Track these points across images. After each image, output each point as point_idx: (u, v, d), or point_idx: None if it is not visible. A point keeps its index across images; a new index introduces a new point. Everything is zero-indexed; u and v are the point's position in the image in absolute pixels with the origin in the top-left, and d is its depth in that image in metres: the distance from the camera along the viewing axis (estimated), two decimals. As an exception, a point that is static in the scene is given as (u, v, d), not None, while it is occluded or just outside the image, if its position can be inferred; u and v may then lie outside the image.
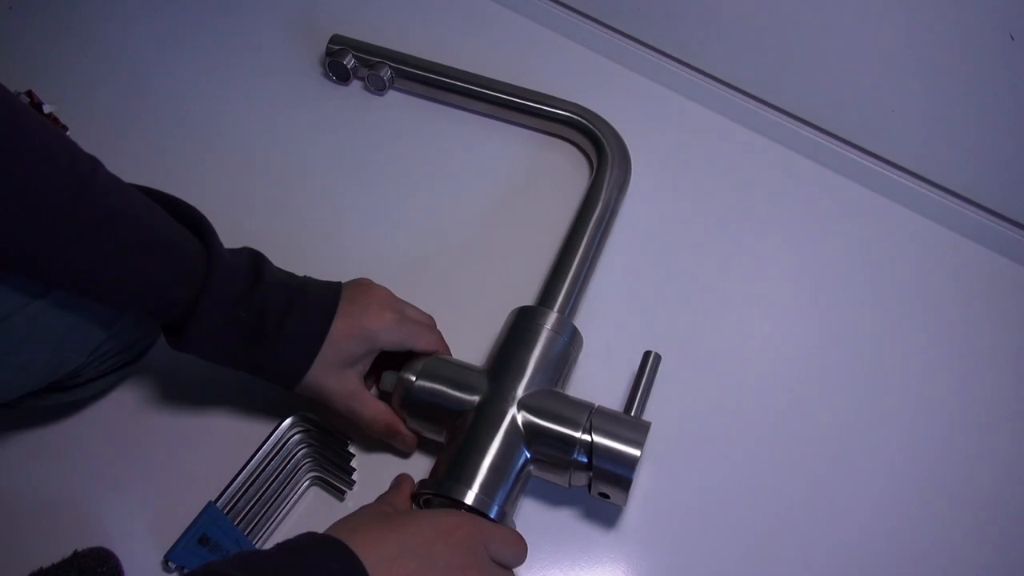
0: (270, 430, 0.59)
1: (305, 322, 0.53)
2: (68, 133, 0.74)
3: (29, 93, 0.73)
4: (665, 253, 0.71)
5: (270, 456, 0.58)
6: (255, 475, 0.57)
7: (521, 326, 0.59)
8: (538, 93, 0.76)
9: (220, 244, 0.52)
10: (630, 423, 0.54)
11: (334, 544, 0.42)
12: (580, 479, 0.54)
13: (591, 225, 0.66)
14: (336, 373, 0.55)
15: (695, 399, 0.64)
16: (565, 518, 0.58)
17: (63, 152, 0.46)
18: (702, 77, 0.79)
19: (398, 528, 0.45)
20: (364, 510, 0.49)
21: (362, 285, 0.58)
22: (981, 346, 0.67)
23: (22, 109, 0.45)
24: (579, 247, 0.65)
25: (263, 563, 0.41)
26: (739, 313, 0.68)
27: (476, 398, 0.55)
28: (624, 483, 0.53)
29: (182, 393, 0.62)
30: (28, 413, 0.60)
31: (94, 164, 0.48)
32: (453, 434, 0.55)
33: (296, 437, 0.59)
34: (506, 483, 0.52)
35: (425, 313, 0.61)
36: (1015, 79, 0.60)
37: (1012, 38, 0.58)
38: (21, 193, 0.44)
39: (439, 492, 0.52)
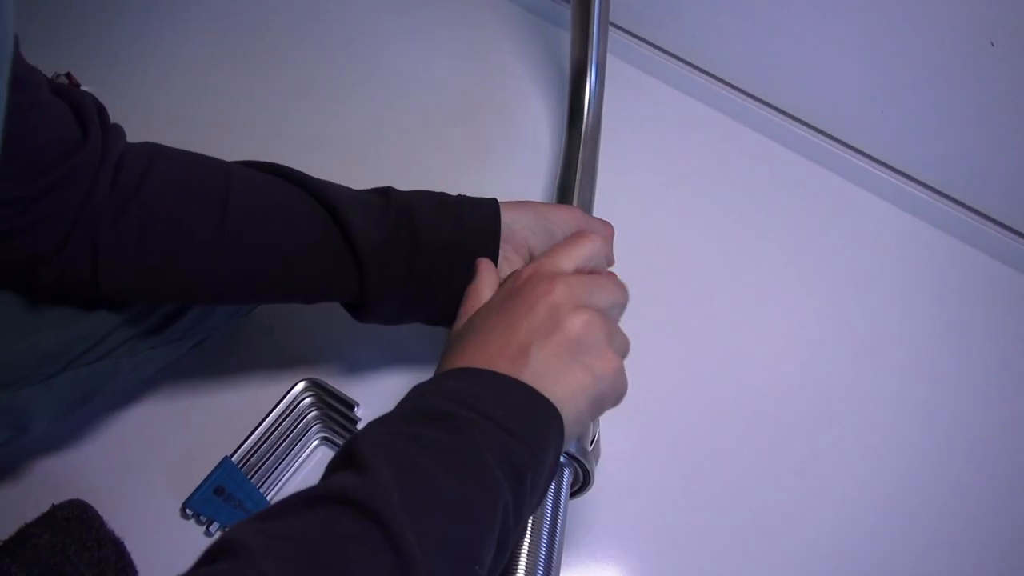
0: (283, 393, 0.63)
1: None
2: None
3: (68, 75, 0.78)
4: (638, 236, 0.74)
5: (282, 417, 0.63)
6: (268, 434, 0.62)
7: None
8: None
9: (357, 223, 0.50)
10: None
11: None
12: None
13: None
14: None
15: (672, 386, 0.68)
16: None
17: (200, 182, 0.49)
18: (697, 72, 0.82)
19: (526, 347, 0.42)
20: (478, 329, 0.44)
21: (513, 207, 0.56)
22: (964, 345, 0.70)
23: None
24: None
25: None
26: (713, 302, 0.72)
27: None
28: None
29: (202, 358, 0.66)
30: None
31: (225, 182, 0.49)
32: None
33: (307, 400, 0.64)
34: None
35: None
36: (997, 83, 0.63)
37: (992, 44, 0.61)
38: (170, 234, 0.48)
39: None
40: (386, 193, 0.54)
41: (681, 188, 0.78)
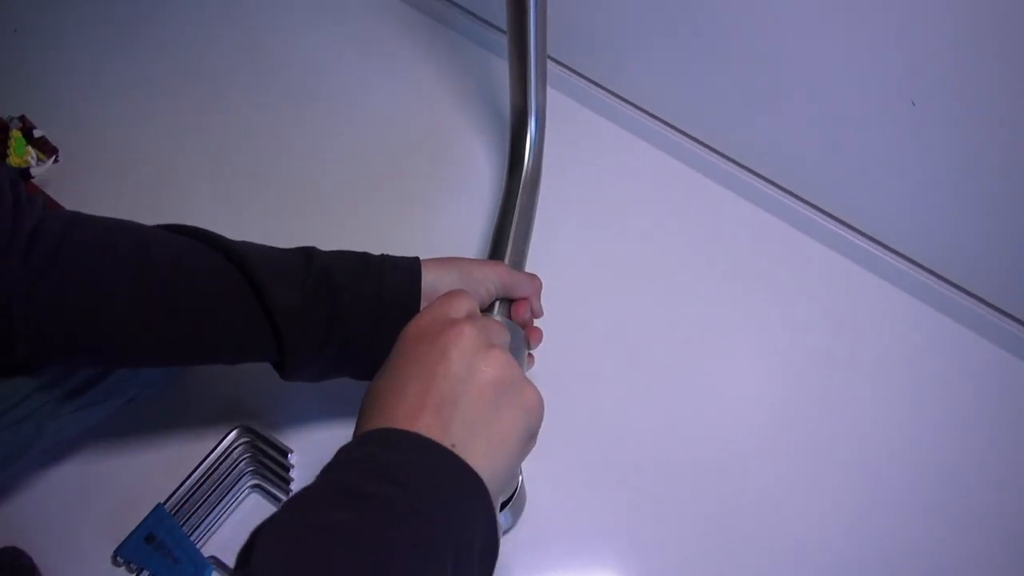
0: (219, 440, 0.65)
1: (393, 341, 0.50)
2: (58, 155, 0.80)
3: (22, 118, 0.80)
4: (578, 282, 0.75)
5: (216, 464, 0.64)
6: (200, 481, 0.63)
7: None
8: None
9: (272, 287, 0.51)
10: None
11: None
12: None
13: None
14: None
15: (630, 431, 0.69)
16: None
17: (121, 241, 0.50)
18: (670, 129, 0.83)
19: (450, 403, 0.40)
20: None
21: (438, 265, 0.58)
22: (929, 410, 0.70)
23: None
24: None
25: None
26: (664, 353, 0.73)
27: None
28: None
29: (138, 405, 0.67)
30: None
31: (144, 248, 0.50)
32: None
33: (240, 447, 0.65)
34: None
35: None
36: (918, 139, 0.64)
37: (913, 104, 0.62)
38: (94, 287, 0.48)
39: None
40: (308, 253, 0.55)
41: (625, 231, 0.79)
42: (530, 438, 0.43)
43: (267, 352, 0.54)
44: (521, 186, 0.73)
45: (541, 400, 0.43)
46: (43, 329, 0.48)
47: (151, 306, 0.50)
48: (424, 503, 0.36)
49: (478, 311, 0.48)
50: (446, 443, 0.39)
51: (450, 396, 0.40)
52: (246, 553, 0.34)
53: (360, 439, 0.40)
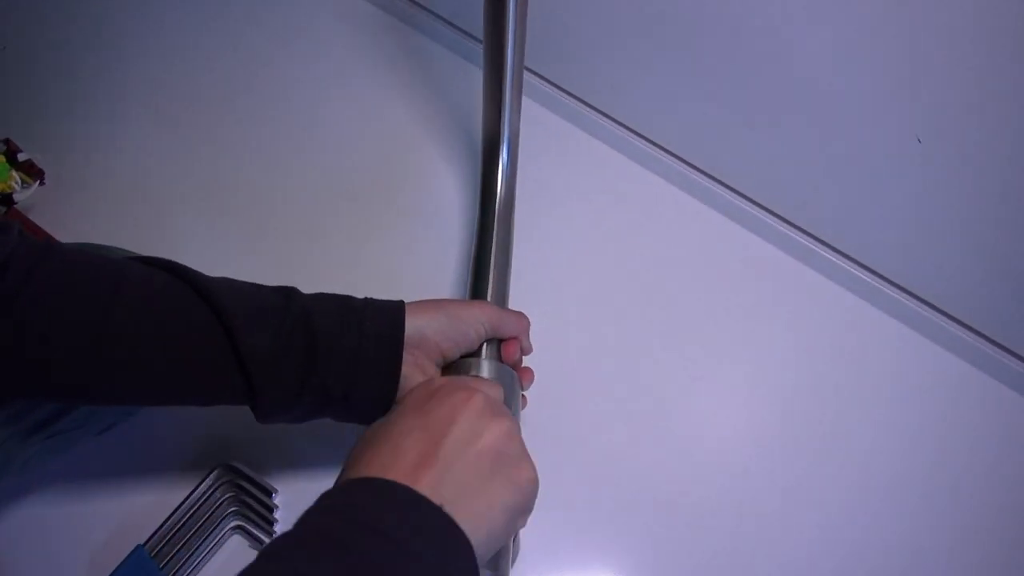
0: (200, 479, 0.63)
1: (373, 386, 0.53)
2: (44, 177, 0.79)
3: (7, 141, 0.78)
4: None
5: (197, 504, 0.62)
6: (181, 522, 0.62)
7: None
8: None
9: (244, 330, 0.49)
10: None
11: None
12: None
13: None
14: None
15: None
16: None
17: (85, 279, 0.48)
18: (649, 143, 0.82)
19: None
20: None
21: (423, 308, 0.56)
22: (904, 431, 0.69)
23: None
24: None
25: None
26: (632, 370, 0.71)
27: None
28: None
29: (119, 441, 0.66)
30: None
31: (114, 284, 0.48)
32: None
33: (222, 487, 0.63)
34: None
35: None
36: (925, 175, 0.63)
37: (919, 141, 0.60)
38: (55, 325, 0.46)
39: None
40: (288, 295, 0.53)
41: (615, 256, 0.78)
42: (518, 514, 0.44)
43: (238, 395, 0.52)
44: (496, 215, 0.69)
45: (535, 478, 0.45)
46: (2, 364, 0.47)
47: (116, 345, 0.48)
48: (405, 554, 0.36)
49: (500, 397, 0.49)
50: (435, 500, 0.39)
51: (446, 457, 0.41)
52: None
53: (345, 487, 0.41)
